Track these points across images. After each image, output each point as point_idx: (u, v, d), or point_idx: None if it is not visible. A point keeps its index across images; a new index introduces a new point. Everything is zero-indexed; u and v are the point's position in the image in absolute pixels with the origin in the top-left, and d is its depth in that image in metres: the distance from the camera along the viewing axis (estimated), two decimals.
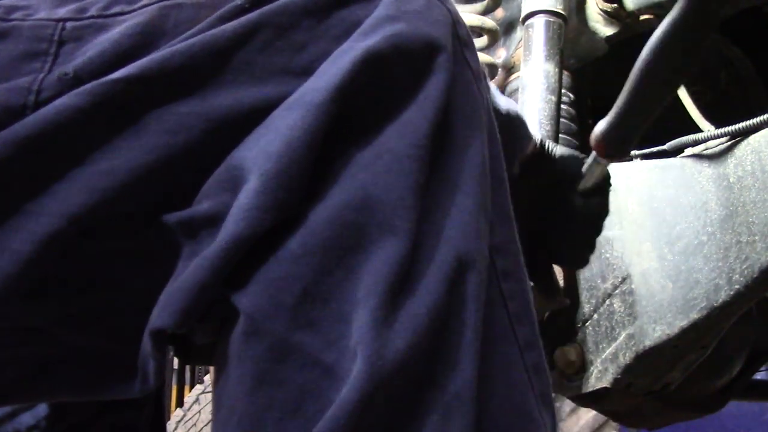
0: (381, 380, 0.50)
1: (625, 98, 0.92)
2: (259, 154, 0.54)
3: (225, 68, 0.57)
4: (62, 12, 0.61)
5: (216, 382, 0.57)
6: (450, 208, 0.56)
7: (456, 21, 0.61)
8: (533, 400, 0.59)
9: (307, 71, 0.57)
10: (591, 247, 1.02)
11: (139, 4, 0.61)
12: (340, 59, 0.56)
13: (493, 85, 1.18)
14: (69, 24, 0.60)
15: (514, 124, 0.94)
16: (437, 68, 0.57)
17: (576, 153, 1.01)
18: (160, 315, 0.54)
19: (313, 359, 0.52)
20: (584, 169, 0.98)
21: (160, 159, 0.55)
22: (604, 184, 0.99)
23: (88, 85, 0.55)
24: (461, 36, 0.61)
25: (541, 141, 0.98)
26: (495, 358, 0.57)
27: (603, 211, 1.01)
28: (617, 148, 0.95)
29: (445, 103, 0.57)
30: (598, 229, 1.01)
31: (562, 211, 0.98)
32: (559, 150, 1.00)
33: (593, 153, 0.97)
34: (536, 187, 0.99)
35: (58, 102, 0.55)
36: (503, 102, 0.92)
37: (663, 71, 0.88)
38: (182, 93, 0.56)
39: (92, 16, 0.61)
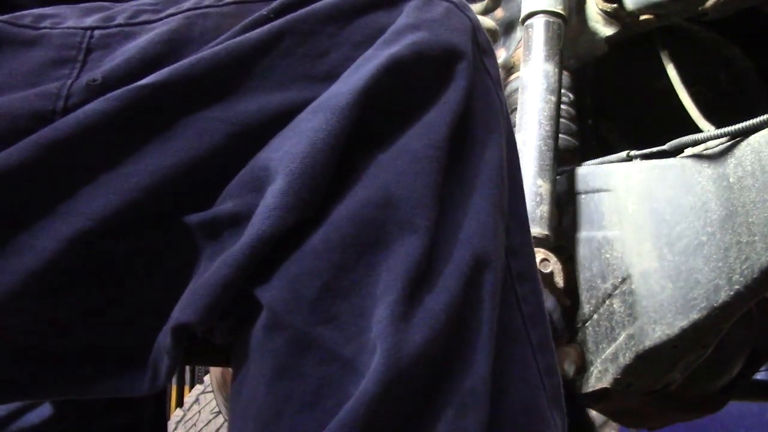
0: (399, 374, 0.51)
1: None
2: (285, 155, 0.55)
3: (249, 74, 0.58)
4: (90, 21, 0.62)
5: (235, 376, 0.58)
6: (468, 209, 0.58)
7: (476, 28, 0.62)
8: (545, 400, 0.60)
9: (329, 77, 0.59)
10: None
11: (165, 13, 0.63)
12: (364, 66, 0.58)
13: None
14: (97, 32, 0.62)
15: None
16: (457, 75, 0.59)
17: None
18: (184, 311, 0.55)
19: (333, 353, 0.53)
20: None
21: (185, 162, 0.57)
22: None
23: (116, 91, 0.57)
24: (481, 43, 0.62)
25: None
26: (509, 358, 0.58)
27: None
28: None
29: (465, 108, 0.59)
30: None
31: None
32: None
33: None
34: None
35: (87, 107, 0.57)
36: None
37: None
38: (208, 99, 0.58)
39: (119, 25, 0.62)
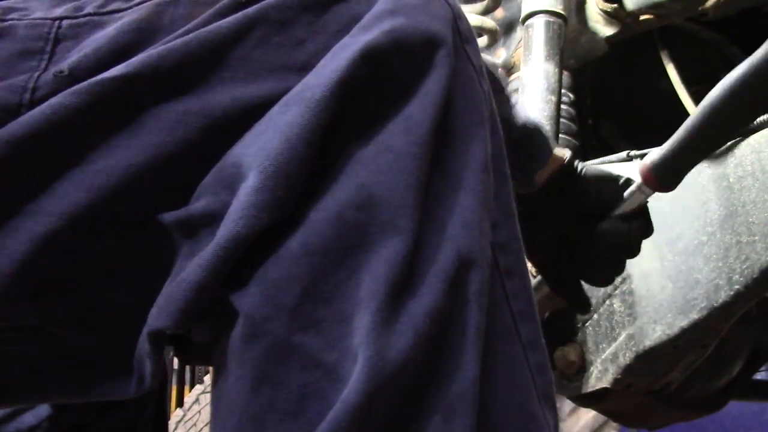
0: (382, 381, 0.50)
1: (687, 134, 0.88)
2: (258, 151, 0.53)
3: (222, 65, 0.56)
4: (59, 11, 0.60)
5: (215, 382, 0.56)
6: (452, 206, 0.56)
7: (457, 16, 0.60)
8: (536, 399, 0.58)
9: (306, 67, 0.56)
10: (621, 268, 0.98)
11: (135, 1, 0.61)
12: (339, 54, 0.55)
13: (512, 98, 1.16)
14: (65, 22, 0.60)
15: (531, 137, 0.91)
16: (438, 63, 0.56)
17: (612, 174, 0.95)
18: (159, 316, 0.53)
19: (315, 360, 0.51)
20: (626, 194, 0.94)
21: (158, 157, 0.55)
22: (645, 210, 0.95)
23: (83, 84, 0.55)
24: (462, 31, 0.60)
25: (570, 159, 0.93)
26: (499, 356, 0.57)
27: (645, 233, 0.96)
28: (668, 180, 0.92)
29: (446, 98, 0.57)
30: (634, 252, 0.96)
31: (595, 234, 0.94)
32: (591, 171, 0.95)
33: (639, 181, 0.92)
34: (566, 207, 0.95)
35: (53, 101, 0.55)
36: (521, 113, 0.90)
37: (735, 113, 0.86)
38: (179, 90, 0.56)
39: (88, 14, 0.60)
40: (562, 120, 1.36)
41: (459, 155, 0.57)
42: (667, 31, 1.44)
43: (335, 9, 0.58)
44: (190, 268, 0.53)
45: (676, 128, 1.29)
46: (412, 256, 0.53)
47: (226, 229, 0.52)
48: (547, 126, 1.28)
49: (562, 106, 1.37)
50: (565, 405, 2.59)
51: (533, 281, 1.06)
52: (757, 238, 1.13)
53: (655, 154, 0.91)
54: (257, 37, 0.57)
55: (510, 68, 1.50)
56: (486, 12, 1.48)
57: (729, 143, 1.18)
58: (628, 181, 0.93)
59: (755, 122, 1.13)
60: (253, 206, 0.52)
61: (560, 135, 1.35)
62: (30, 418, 0.92)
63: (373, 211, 0.53)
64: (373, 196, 0.53)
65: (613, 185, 0.93)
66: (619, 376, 1.23)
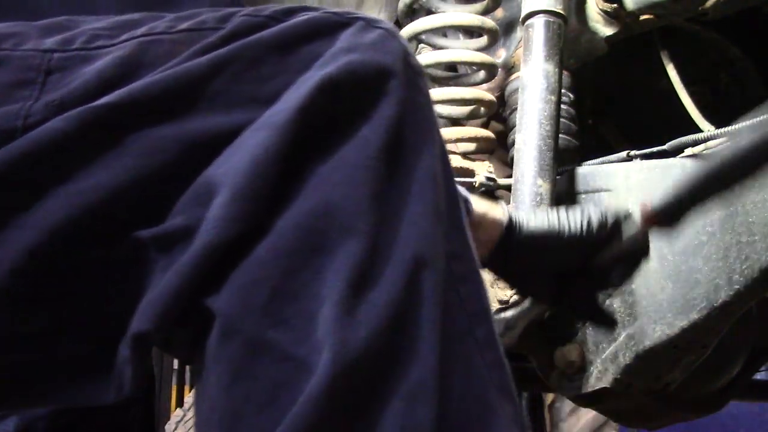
0: (345, 367, 0.55)
1: (696, 184, 0.92)
2: (229, 170, 0.60)
3: (199, 97, 0.63)
4: (49, 43, 0.66)
5: (197, 387, 0.61)
6: (406, 214, 0.62)
7: (408, 53, 0.67)
8: (493, 392, 0.64)
9: (272, 100, 0.63)
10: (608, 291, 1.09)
11: (120, 39, 0.67)
12: (301, 86, 0.62)
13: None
14: (56, 55, 0.66)
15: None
16: (389, 91, 0.63)
17: (549, 228, 1.04)
18: (139, 320, 0.58)
19: (286, 354, 0.57)
20: (625, 235, 1.01)
21: (138, 178, 0.61)
22: (644, 247, 1.05)
23: (74, 111, 0.61)
24: (414, 66, 0.67)
25: (507, 226, 1.03)
26: (455, 356, 0.62)
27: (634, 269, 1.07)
28: (667, 222, 0.97)
29: (398, 121, 0.63)
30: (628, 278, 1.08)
31: (589, 277, 1.05)
32: (530, 230, 1.04)
33: (640, 220, 0.98)
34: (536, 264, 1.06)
35: (47, 125, 0.61)
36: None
37: (746, 175, 0.89)
38: (159, 118, 0.62)
39: (77, 49, 0.66)
40: (562, 120, 1.36)
41: (411, 170, 0.63)
42: (667, 31, 1.44)
43: (300, 50, 0.65)
44: (169, 275, 0.58)
45: (676, 128, 1.29)
46: (370, 255, 0.59)
47: (200, 239, 0.58)
48: (547, 126, 1.28)
49: (562, 106, 1.38)
50: (565, 405, 2.59)
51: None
52: (757, 238, 1.13)
53: (659, 198, 0.95)
54: (230, 73, 0.64)
55: (510, 68, 1.50)
56: (486, 12, 1.48)
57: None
58: (571, 233, 1.03)
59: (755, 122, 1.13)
60: (224, 218, 0.58)
61: (560, 135, 1.35)
62: (16, 420, 0.92)
63: (333, 218, 0.59)
64: (332, 205, 0.60)
65: (556, 237, 1.04)
66: (619, 376, 1.23)
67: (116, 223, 0.61)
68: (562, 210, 1.04)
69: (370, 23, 0.67)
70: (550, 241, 1.03)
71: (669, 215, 0.96)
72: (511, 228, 1.03)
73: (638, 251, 1.04)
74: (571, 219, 1.03)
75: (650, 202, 0.95)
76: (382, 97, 0.63)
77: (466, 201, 0.98)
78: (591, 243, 1.02)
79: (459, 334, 0.64)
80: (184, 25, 0.68)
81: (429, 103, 0.68)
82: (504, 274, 1.11)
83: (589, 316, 1.18)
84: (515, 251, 1.03)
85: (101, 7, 0.78)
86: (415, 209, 0.62)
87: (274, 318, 0.57)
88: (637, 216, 0.99)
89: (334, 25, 0.67)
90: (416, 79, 0.67)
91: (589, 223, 1.02)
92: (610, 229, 1.02)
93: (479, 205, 1.02)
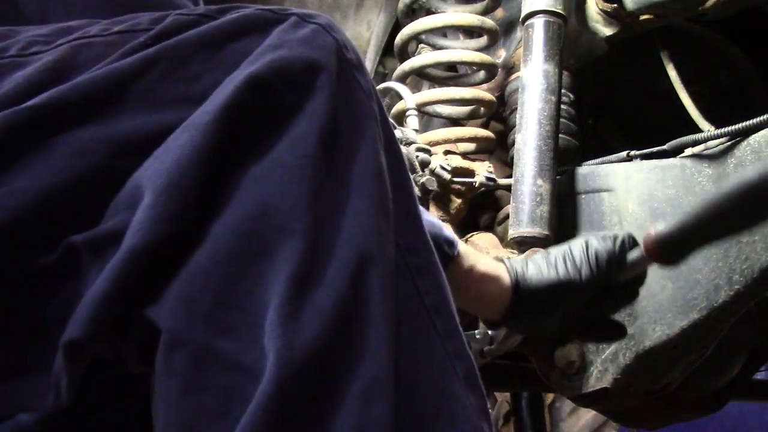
0: (293, 370, 0.54)
1: (699, 217, 0.89)
2: (153, 173, 0.59)
3: (125, 97, 0.63)
4: None
5: (153, 401, 0.61)
6: (347, 210, 0.61)
7: (343, 47, 0.66)
8: (457, 383, 0.64)
9: (202, 99, 0.62)
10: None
11: (54, 44, 0.67)
12: (227, 85, 0.62)
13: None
14: None
15: None
16: (320, 86, 0.62)
17: (553, 280, 1.00)
18: (71, 327, 0.58)
19: (234, 363, 0.56)
20: (629, 263, 0.99)
21: (67, 180, 0.60)
22: (642, 275, 1.02)
23: (0, 114, 0.61)
24: (350, 59, 0.66)
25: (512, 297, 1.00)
26: (415, 348, 0.62)
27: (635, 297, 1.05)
28: (669, 255, 0.94)
29: (332, 116, 0.62)
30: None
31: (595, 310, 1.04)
32: (533, 285, 1.01)
33: (642, 250, 0.95)
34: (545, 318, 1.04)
35: None
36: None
37: (750, 210, 0.87)
38: (86, 119, 0.62)
39: (12, 56, 0.67)
40: (562, 120, 1.36)
41: (350, 165, 0.63)
42: (667, 31, 1.44)
43: (229, 47, 0.65)
44: (98, 281, 0.58)
45: (676, 128, 1.29)
46: (311, 255, 0.58)
47: (126, 243, 0.58)
48: (547, 126, 1.28)
49: (562, 106, 1.37)
50: (565, 405, 2.59)
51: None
52: (757, 238, 1.13)
53: (660, 227, 0.93)
54: (158, 72, 0.63)
55: (510, 68, 1.50)
56: (486, 12, 1.48)
57: (729, 143, 1.18)
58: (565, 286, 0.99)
59: (755, 122, 1.13)
60: (148, 220, 0.58)
61: (560, 135, 1.35)
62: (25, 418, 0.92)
63: (270, 219, 0.59)
64: (268, 206, 0.59)
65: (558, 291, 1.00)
66: (619, 376, 1.23)
67: (47, 227, 0.60)
68: (566, 249, 1.00)
69: (304, 18, 0.66)
70: (558, 294, 0.99)
71: (674, 251, 0.93)
72: (518, 290, 0.99)
73: (638, 281, 1.02)
74: (577, 259, 0.99)
75: (655, 232, 0.92)
76: (313, 92, 0.62)
77: (452, 243, 0.95)
78: (599, 281, 0.99)
79: (419, 327, 0.64)
80: (117, 28, 0.68)
81: (368, 96, 0.66)
82: (517, 330, 1.10)
83: (586, 337, 1.16)
84: (526, 312, 0.99)
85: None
86: (357, 204, 0.61)
87: (220, 327, 0.57)
88: (641, 245, 0.96)
89: (266, 22, 0.66)
90: (352, 73, 0.66)
91: (597, 259, 0.98)
92: (616, 263, 0.99)
93: (484, 263, 0.99)
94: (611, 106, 1.67)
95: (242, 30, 0.65)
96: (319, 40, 0.64)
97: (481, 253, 1.30)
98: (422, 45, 1.57)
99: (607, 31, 1.39)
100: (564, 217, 1.33)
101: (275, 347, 0.55)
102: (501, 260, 1.02)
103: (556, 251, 1.01)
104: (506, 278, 0.99)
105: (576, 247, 1.00)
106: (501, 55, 1.53)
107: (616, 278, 0.99)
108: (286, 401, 0.54)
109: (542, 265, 1.00)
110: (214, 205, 0.59)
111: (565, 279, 0.98)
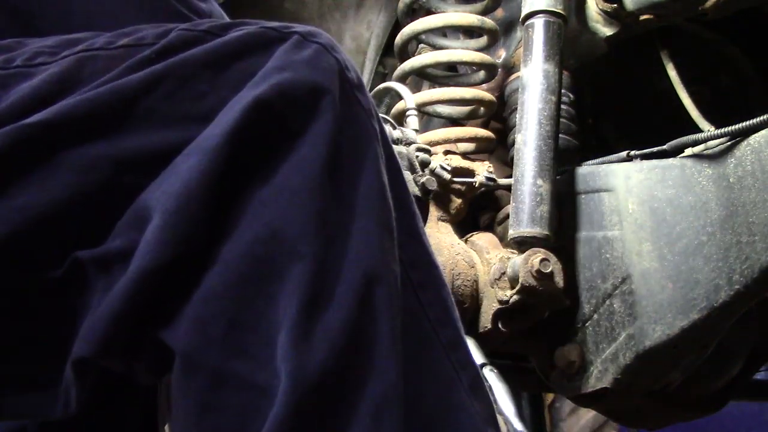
0: (306, 391, 0.56)
1: None
2: (162, 195, 0.60)
3: (131, 114, 0.63)
4: None
5: (170, 420, 0.64)
6: (353, 231, 0.62)
7: (344, 68, 0.67)
8: (463, 393, 0.65)
9: (207, 118, 0.63)
10: None
11: (60, 55, 0.68)
12: (233, 107, 0.62)
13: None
14: None
15: None
16: (323, 109, 0.63)
17: None
18: (80, 344, 0.59)
19: (249, 383, 0.58)
20: None
21: (73, 197, 0.61)
22: None
23: (7, 128, 0.62)
24: (351, 80, 0.67)
25: None
26: (421, 361, 0.64)
27: None
28: None
29: (335, 139, 0.63)
30: None
31: None
32: None
33: None
34: None
35: None
36: None
37: None
38: (91, 136, 0.62)
39: (18, 66, 0.68)
40: (562, 120, 1.36)
41: (353, 186, 0.64)
42: (667, 31, 1.44)
43: (234, 66, 0.65)
44: (107, 299, 0.59)
45: (676, 128, 1.29)
46: (320, 277, 0.60)
47: (135, 264, 0.59)
48: (547, 126, 1.28)
49: (562, 106, 1.37)
50: (565, 405, 2.59)
51: None
52: (757, 238, 1.13)
53: None
54: (164, 90, 0.64)
55: (510, 68, 1.50)
56: (486, 12, 1.48)
57: (729, 143, 1.18)
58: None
59: (755, 122, 1.13)
60: (157, 242, 0.59)
61: (560, 135, 1.35)
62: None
63: (279, 243, 0.60)
64: (276, 230, 0.60)
65: None
66: (619, 376, 1.23)
67: (53, 242, 0.61)
68: None
69: (306, 37, 0.67)
70: None
71: None
72: None
73: None
74: None
75: None
76: (317, 115, 0.63)
77: None
78: None
79: (424, 340, 0.65)
80: (123, 41, 0.68)
81: (369, 116, 0.68)
82: None
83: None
84: None
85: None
86: (362, 225, 0.63)
87: (234, 349, 0.58)
88: None
89: (269, 41, 0.66)
90: (353, 93, 0.67)
91: None
92: None
93: None
94: (611, 106, 1.67)
95: (246, 49, 0.66)
96: (323, 62, 0.65)
97: (481, 252, 1.31)
98: (422, 45, 1.57)
99: (607, 31, 1.39)
100: (564, 217, 1.33)
101: (287, 369, 0.56)
102: None
103: None
104: None
105: None
106: (501, 55, 1.53)
107: None
108: (299, 421, 0.56)
109: None
110: (223, 228, 0.60)
111: None
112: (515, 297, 1.22)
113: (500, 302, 1.24)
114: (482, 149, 1.51)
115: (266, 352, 0.58)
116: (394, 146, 1.23)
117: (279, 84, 0.63)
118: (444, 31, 1.55)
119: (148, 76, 0.64)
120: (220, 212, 0.61)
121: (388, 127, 1.25)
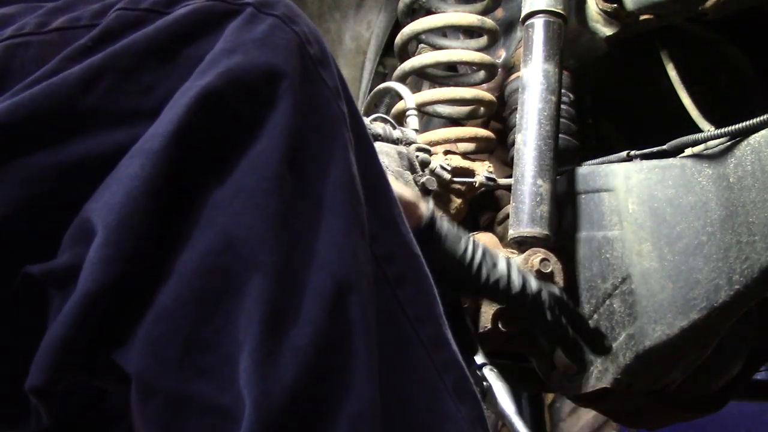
0: (272, 419, 0.51)
1: None
2: (103, 206, 0.54)
3: (73, 117, 0.57)
4: None
5: None
6: (320, 232, 0.56)
7: (305, 42, 0.60)
8: (448, 398, 0.60)
9: (155, 113, 0.57)
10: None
11: None
12: (178, 101, 0.56)
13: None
14: None
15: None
16: (281, 95, 0.57)
17: None
18: (32, 373, 0.54)
19: (210, 405, 0.53)
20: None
21: (19, 210, 0.56)
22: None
23: None
24: (313, 55, 0.60)
25: None
26: (401, 364, 0.58)
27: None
28: None
29: (296, 128, 0.57)
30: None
31: None
32: None
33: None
34: None
35: None
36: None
37: None
38: (32, 145, 0.56)
39: None
40: (562, 120, 1.36)
41: (320, 180, 0.57)
42: (667, 31, 1.44)
43: (182, 52, 0.59)
44: (54, 325, 0.54)
45: (676, 128, 1.29)
46: (283, 289, 0.53)
47: (79, 287, 0.53)
48: (547, 126, 1.28)
49: (562, 106, 1.37)
50: (565, 405, 2.59)
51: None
52: (757, 238, 1.13)
53: None
54: (105, 85, 0.57)
55: (510, 68, 1.50)
56: (486, 12, 1.48)
57: (729, 143, 1.18)
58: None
59: (755, 122, 1.13)
60: (100, 262, 0.53)
61: (560, 135, 1.35)
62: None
63: (235, 253, 0.54)
64: (232, 238, 0.54)
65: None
66: (619, 376, 1.23)
67: (4, 259, 0.56)
68: (485, 253, 1.03)
69: (261, 9, 0.60)
70: (454, 269, 0.98)
71: None
72: (430, 229, 0.95)
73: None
74: (494, 270, 1.00)
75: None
76: (274, 103, 0.56)
77: None
78: (499, 299, 1.03)
79: (403, 342, 0.60)
80: (56, 23, 0.61)
81: (335, 96, 0.61)
82: None
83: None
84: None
85: None
86: (332, 225, 0.57)
87: (192, 370, 0.53)
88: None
89: (219, 17, 0.59)
90: (316, 71, 0.60)
91: (509, 283, 1.01)
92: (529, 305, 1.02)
93: (404, 190, 0.94)
94: (611, 106, 1.67)
95: (193, 29, 0.59)
96: (278, 38, 0.59)
97: None
98: (422, 45, 1.57)
99: (607, 31, 1.39)
100: (564, 217, 1.33)
101: (252, 396, 0.51)
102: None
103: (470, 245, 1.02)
104: (423, 209, 0.95)
105: (505, 262, 1.03)
106: (501, 55, 1.53)
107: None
108: None
109: (457, 234, 0.99)
110: (174, 239, 0.54)
111: (467, 264, 1.00)
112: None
113: None
114: (482, 149, 1.51)
115: (227, 373, 0.53)
116: (393, 146, 1.23)
117: (228, 70, 0.56)
118: (444, 31, 1.55)
119: (86, 71, 0.57)
120: (169, 222, 0.54)
121: (388, 127, 1.25)
